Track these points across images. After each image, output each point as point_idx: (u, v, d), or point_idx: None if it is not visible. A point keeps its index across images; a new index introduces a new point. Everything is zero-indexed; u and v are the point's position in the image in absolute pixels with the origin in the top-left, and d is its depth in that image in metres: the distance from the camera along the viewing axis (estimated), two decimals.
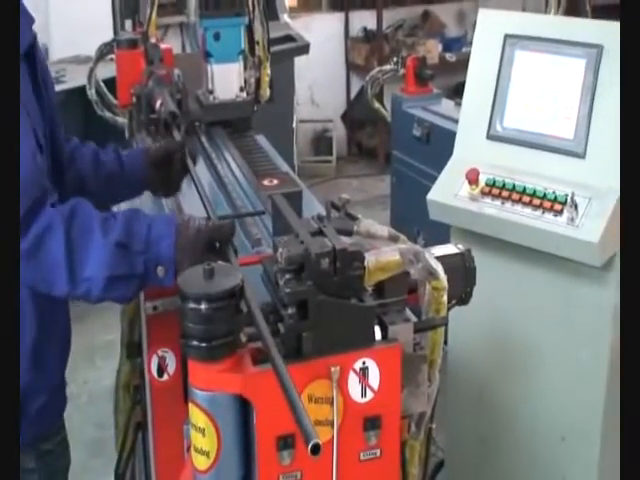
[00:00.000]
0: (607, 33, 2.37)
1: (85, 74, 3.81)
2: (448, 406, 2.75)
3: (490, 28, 2.64)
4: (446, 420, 2.77)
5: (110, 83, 3.57)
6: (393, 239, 1.79)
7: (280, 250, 1.43)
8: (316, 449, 1.14)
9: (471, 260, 1.71)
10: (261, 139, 3.07)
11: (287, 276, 1.41)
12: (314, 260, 1.40)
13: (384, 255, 1.54)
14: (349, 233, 1.79)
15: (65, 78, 4.98)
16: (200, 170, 2.29)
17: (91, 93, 3.72)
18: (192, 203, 2.08)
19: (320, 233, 1.51)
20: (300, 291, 1.39)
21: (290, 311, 1.39)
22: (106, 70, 3.78)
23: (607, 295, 2.35)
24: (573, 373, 2.47)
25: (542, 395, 2.57)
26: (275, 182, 2.27)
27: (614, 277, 2.33)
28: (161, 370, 1.76)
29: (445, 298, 1.59)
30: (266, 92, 3.16)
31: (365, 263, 1.47)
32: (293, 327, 1.38)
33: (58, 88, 4.79)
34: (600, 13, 3.03)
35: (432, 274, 1.57)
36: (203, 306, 1.33)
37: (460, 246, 1.73)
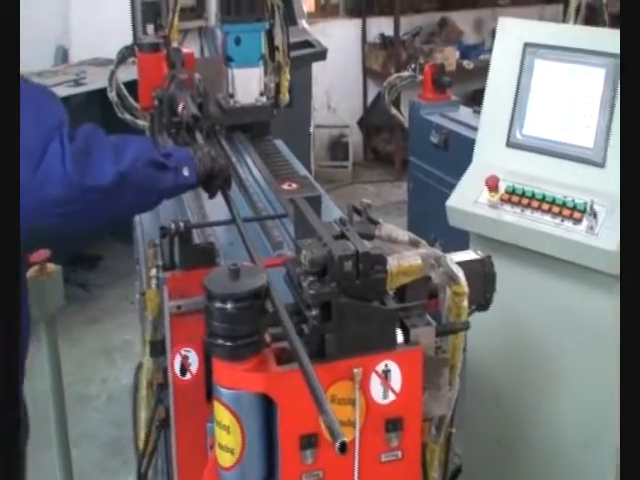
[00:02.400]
0: None
1: (105, 76, 3.82)
2: (466, 411, 2.76)
3: (510, 36, 2.66)
4: (464, 425, 2.78)
5: (130, 86, 3.60)
6: (414, 244, 1.80)
7: (304, 252, 1.44)
8: (343, 447, 1.15)
9: (491, 266, 1.72)
10: (279, 143, 3.09)
11: (310, 278, 1.43)
12: (337, 263, 1.42)
13: (406, 259, 1.55)
14: (370, 237, 1.80)
15: (85, 80, 5.03)
16: None
17: (112, 95, 3.73)
18: (215, 203, 2.11)
19: (343, 236, 1.53)
20: (323, 293, 1.40)
21: (314, 312, 1.40)
22: (126, 73, 3.80)
23: None
24: (591, 380, 2.48)
25: (560, 402, 2.57)
26: (294, 186, 2.29)
27: None
28: (184, 369, 1.78)
29: (466, 303, 1.60)
30: (285, 97, 3.18)
31: (387, 267, 1.49)
32: (316, 328, 1.40)
33: (78, 90, 4.87)
34: (618, 22, 3.04)
35: (453, 279, 1.58)
36: (229, 306, 1.35)
37: (480, 252, 1.75)
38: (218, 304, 1.36)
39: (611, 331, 2.40)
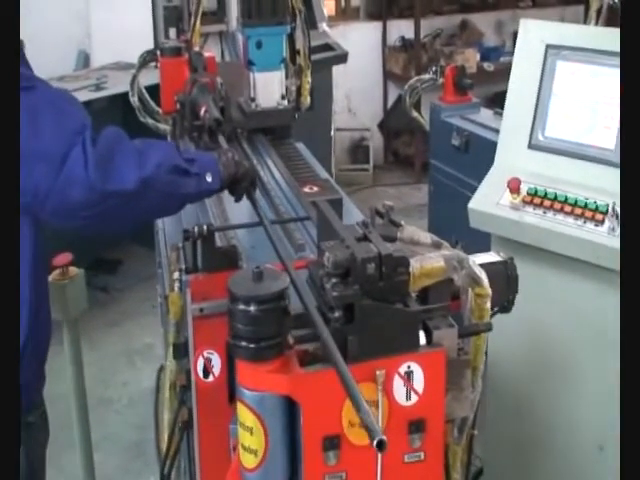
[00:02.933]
0: None
1: (126, 81, 3.85)
2: (486, 414, 2.75)
3: (531, 38, 2.65)
4: (484, 428, 2.77)
5: (152, 90, 3.62)
6: (436, 246, 1.80)
7: (326, 254, 1.45)
8: (381, 445, 1.16)
9: (513, 268, 1.72)
10: (300, 146, 3.10)
11: (333, 280, 1.43)
12: (360, 265, 1.42)
13: (428, 261, 1.56)
14: (392, 239, 1.80)
15: (107, 85, 5.05)
16: None
17: (134, 100, 3.76)
18: (236, 206, 2.12)
19: (365, 239, 1.53)
20: (346, 295, 1.41)
21: (336, 314, 1.41)
22: (148, 77, 3.82)
23: None
24: (612, 382, 2.46)
25: (581, 404, 2.56)
26: (315, 189, 2.30)
27: None
28: (206, 371, 1.80)
29: (488, 305, 1.60)
30: (307, 100, 3.19)
31: (410, 269, 1.49)
32: (339, 330, 1.41)
33: (100, 94, 4.89)
34: None
35: (476, 281, 1.58)
36: (252, 308, 1.36)
37: (502, 254, 1.75)
38: (242, 306, 1.37)
39: None
